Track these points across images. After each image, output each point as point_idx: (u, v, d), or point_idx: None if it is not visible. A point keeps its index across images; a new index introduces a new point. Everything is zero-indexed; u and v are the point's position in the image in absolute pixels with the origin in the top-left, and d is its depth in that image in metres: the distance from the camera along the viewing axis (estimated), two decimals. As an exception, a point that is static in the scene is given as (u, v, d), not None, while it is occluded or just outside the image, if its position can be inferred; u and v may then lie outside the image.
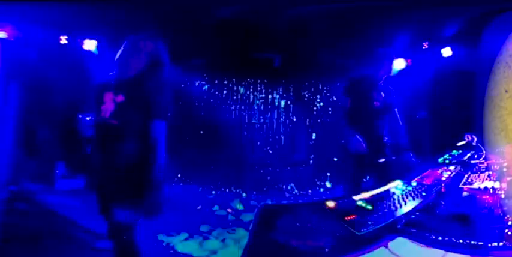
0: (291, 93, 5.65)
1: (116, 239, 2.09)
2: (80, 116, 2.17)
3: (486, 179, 1.79)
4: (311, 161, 5.70)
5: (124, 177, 2.00)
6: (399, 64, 4.58)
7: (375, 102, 3.05)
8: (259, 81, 5.58)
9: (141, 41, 2.04)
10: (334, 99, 5.80)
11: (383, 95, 3.10)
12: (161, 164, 2.03)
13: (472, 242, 1.14)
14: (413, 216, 1.37)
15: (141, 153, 2.00)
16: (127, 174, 2.00)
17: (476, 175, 1.93)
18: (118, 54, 2.05)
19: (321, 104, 5.76)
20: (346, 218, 1.31)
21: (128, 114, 1.99)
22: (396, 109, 3.15)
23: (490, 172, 1.91)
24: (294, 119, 5.70)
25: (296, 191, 5.43)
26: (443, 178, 1.84)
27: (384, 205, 1.44)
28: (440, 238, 1.19)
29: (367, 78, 3.16)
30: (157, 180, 2.03)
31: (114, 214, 2.00)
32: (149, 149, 1.99)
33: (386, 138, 3.07)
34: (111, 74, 2.10)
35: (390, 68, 3.12)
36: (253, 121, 5.61)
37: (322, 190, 5.58)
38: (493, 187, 1.61)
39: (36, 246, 3.16)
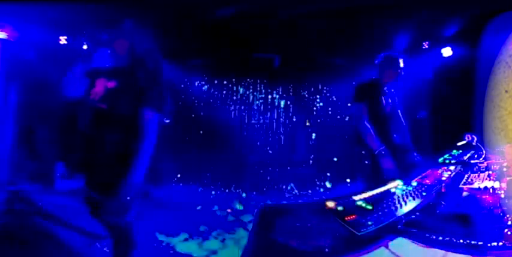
0: (291, 93, 5.65)
1: (111, 232, 2.15)
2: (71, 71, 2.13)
3: (486, 179, 1.79)
4: (311, 161, 5.69)
5: (106, 165, 1.98)
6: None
7: (385, 108, 2.94)
8: (259, 81, 5.58)
9: (127, 31, 2.08)
10: (334, 99, 5.81)
11: (390, 100, 3.02)
12: (146, 157, 1.95)
13: (472, 242, 1.14)
14: (413, 216, 1.37)
15: (127, 142, 1.94)
16: (109, 162, 1.97)
17: (476, 174, 1.93)
18: (109, 43, 2.08)
19: (321, 104, 5.77)
20: (346, 218, 1.31)
21: (117, 100, 1.99)
22: (399, 110, 3.10)
23: (490, 172, 1.91)
24: (294, 119, 5.70)
25: (296, 191, 5.43)
26: (443, 178, 1.84)
27: (384, 205, 1.44)
28: (440, 238, 1.18)
29: (376, 83, 3.02)
30: (135, 174, 1.91)
31: (102, 214, 1.99)
32: (135, 139, 1.93)
33: (396, 141, 2.95)
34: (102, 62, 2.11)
35: (398, 73, 2.96)
36: (253, 121, 5.61)
37: (322, 190, 5.58)
38: (492, 187, 1.61)
39: (35, 247, 3.16)
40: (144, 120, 1.95)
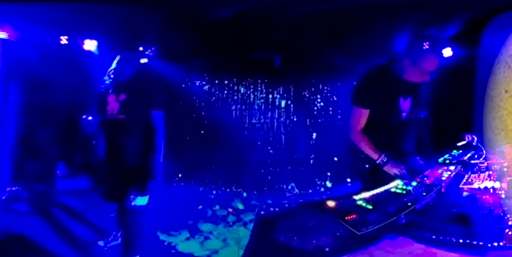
0: (291, 93, 5.65)
1: (124, 223, 2.62)
2: (84, 117, 2.70)
3: (486, 179, 1.79)
4: (311, 161, 5.70)
5: (133, 163, 2.57)
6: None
7: (400, 116, 2.38)
8: (259, 81, 5.58)
9: (131, 54, 2.82)
10: (335, 99, 5.81)
11: (409, 106, 2.43)
12: (163, 144, 2.60)
13: (472, 242, 1.15)
14: (413, 216, 1.38)
15: (147, 138, 2.58)
16: (136, 160, 2.57)
17: (476, 175, 1.93)
18: (113, 65, 2.64)
19: (321, 104, 5.77)
20: (346, 218, 1.31)
21: (131, 109, 2.56)
22: (416, 116, 2.64)
23: (490, 172, 1.91)
24: (294, 119, 5.70)
25: (296, 191, 5.43)
26: (443, 178, 1.84)
27: (384, 205, 1.44)
28: (440, 238, 1.19)
29: (397, 84, 2.30)
30: (159, 161, 2.59)
31: (126, 201, 2.53)
32: (152, 134, 2.59)
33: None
34: (107, 81, 2.68)
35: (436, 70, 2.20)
36: (253, 121, 5.61)
37: (322, 189, 5.59)
38: (493, 187, 1.62)
39: (36, 246, 3.17)
40: (155, 119, 2.60)
